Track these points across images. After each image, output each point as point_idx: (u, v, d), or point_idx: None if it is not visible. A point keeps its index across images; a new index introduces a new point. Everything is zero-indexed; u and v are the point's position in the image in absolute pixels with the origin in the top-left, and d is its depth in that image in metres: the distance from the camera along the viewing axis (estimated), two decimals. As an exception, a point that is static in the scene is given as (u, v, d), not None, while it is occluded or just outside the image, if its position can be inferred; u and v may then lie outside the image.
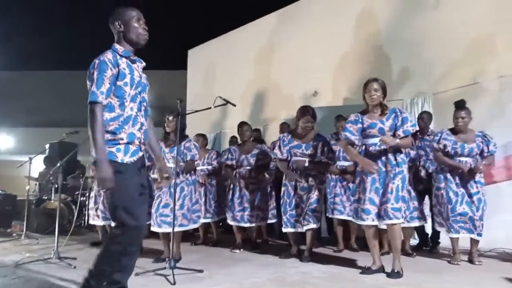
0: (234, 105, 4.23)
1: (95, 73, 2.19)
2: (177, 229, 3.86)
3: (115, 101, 2.28)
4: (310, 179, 4.15)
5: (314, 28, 7.48)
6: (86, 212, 6.97)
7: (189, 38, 11.11)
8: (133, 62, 2.41)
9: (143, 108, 2.46)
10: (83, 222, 7.16)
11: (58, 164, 4.41)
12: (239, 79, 8.70)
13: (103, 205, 4.83)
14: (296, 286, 3.13)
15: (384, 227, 3.53)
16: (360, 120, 3.55)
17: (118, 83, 2.26)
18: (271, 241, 5.53)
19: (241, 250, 4.72)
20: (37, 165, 8.94)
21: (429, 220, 4.53)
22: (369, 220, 3.41)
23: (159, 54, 16.52)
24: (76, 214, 5.06)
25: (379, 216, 3.39)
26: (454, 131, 4.05)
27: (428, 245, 4.81)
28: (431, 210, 4.46)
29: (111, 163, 2.15)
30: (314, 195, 4.10)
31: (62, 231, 6.59)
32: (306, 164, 4.17)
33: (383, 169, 3.41)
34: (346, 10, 7.09)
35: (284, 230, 4.27)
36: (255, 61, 8.59)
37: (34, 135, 12.98)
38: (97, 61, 2.22)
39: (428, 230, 4.76)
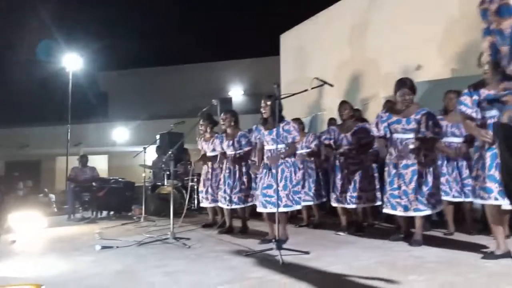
0: (332, 85, 4.11)
1: None
2: (281, 209, 3.91)
3: None
4: (415, 157, 3.87)
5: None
6: (196, 196, 7.48)
7: (279, 24, 11.12)
8: None
9: None
10: (193, 205, 7.69)
11: (170, 152, 4.75)
12: (333, 59, 8.48)
13: (211, 189, 5.13)
14: (409, 270, 2.97)
15: (508, 207, 3.16)
16: (476, 92, 3.22)
17: None
18: (377, 224, 5.34)
19: (346, 232, 4.64)
20: (150, 155, 9.83)
21: None
22: (491, 199, 3.09)
23: (251, 42, 16.89)
24: (187, 198, 5.39)
25: (503, 194, 3.04)
26: None
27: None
28: None
29: None
30: (429, 178, 3.81)
31: (175, 214, 7.25)
32: (411, 146, 3.90)
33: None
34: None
35: (384, 210, 4.08)
36: (348, 40, 8.28)
37: (145, 127, 14.22)
38: None
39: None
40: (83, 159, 8.08)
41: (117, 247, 4.24)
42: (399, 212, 3.93)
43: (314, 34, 9.14)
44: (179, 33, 19.83)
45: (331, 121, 6.47)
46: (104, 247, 4.15)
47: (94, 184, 7.79)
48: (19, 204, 12.25)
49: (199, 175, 7.72)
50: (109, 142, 14.49)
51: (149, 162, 8.75)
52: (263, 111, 4.19)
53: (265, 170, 4.10)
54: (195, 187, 7.79)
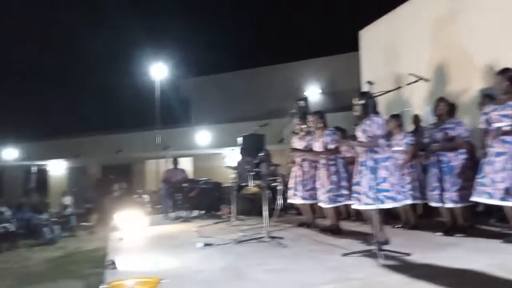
0: (428, 80, 3.98)
1: None
2: (378, 207, 3.83)
3: None
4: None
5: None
6: (280, 196, 7.61)
7: (358, 19, 10.87)
8: None
9: None
10: (279, 205, 7.82)
11: (263, 153, 4.91)
12: (418, 53, 8.09)
13: (301, 186, 5.22)
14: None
15: None
16: None
17: None
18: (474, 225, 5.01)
19: (444, 233, 4.42)
20: (231, 156, 10.16)
21: None
22: None
23: (327, 39, 16.73)
24: (279, 198, 5.55)
25: None
26: None
27: None
28: None
29: None
30: None
31: (261, 213, 7.44)
32: (508, 128, 3.65)
33: None
34: None
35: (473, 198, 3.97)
36: (434, 32, 7.84)
37: (227, 130, 14.73)
38: None
39: None
40: (175, 162, 8.61)
41: (217, 244, 4.47)
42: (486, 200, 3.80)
43: (398, 28, 8.80)
44: (255, 36, 20.30)
45: (416, 118, 6.22)
46: (205, 245, 4.41)
47: (185, 185, 8.26)
48: (115, 205, 13.40)
49: (282, 176, 7.86)
50: (193, 145, 15.23)
51: (231, 164, 9.07)
52: (355, 109, 4.13)
53: (358, 168, 4.05)
54: (279, 187, 7.92)
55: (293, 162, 5.83)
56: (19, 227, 11.58)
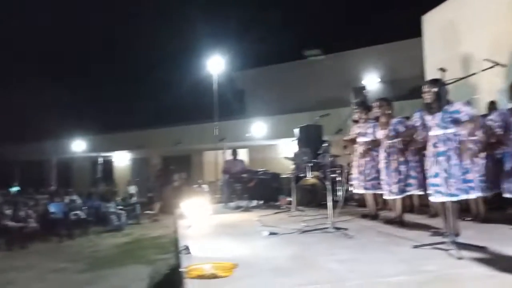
0: (504, 66, 3.76)
1: None
2: (451, 198, 3.70)
3: None
4: None
5: None
6: (342, 187, 7.54)
7: (419, 4, 10.40)
8: None
9: None
10: (340, 197, 7.77)
11: (326, 144, 4.91)
12: (486, 37, 7.60)
13: (363, 175, 5.17)
14: None
15: None
16: None
17: None
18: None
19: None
20: (288, 147, 10.18)
21: None
22: None
23: (387, 26, 16.17)
24: (343, 187, 5.53)
25: None
26: None
27: None
28: None
29: None
30: None
31: (319, 205, 7.43)
32: None
33: None
34: None
35: None
36: (507, 12, 7.32)
37: (282, 121, 14.80)
38: None
39: None
40: (234, 153, 8.80)
41: (281, 234, 4.55)
42: None
43: (464, 11, 8.31)
44: (310, 25, 20.07)
45: (492, 105, 5.87)
46: (270, 234, 4.50)
47: (244, 175, 8.42)
48: (176, 194, 13.97)
49: (340, 166, 7.78)
50: (248, 137, 15.45)
51: (287, 154, 9.10)
52: (426, 97, 3.96)
53: (432, 159, 3.92)
54: (338, 178, 7.84)
55: (353, 152, 5.75)
56: (89, 215, 12.48)
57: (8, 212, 10.44)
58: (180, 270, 3.17)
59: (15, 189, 15.03)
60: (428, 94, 3.92)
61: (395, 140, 4.82)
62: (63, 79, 21.25)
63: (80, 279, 7.15)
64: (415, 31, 10.26)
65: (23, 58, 21.95)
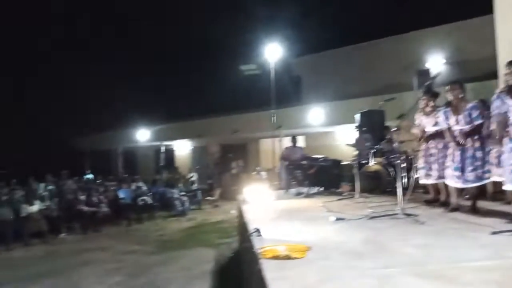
0: None
1: None
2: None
3: None
4: None
5: None
6: (408, 174, 7.31)
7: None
8: None
9: None
10: (409, 183, 7.54)
11: (392, 129, 4.78)
12: None
13: (437, 165, 4.98)
14: None
15: None
16: None
17: None
18: None
19: None
20: (346, 134, 9.99)
21: None
22: None
23: (453, 4, 15.26)
24: (408, 176, 5.36)
25: None
26: None
27: None
28: None
29: None
30: None
31: (383, 192, 7.27)
32: None
33: None
34: None
35: None
36: None
37: (340, 107, 14.55)
38: None
39: None
40: (294, 140, 8.81)
41: (349, 219, 4.52)
42: None
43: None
44: (369, 6, 19.42)
45: None
46: (337, 219, 4.49)
47: (304, 162, 8.42)
48: (234, 181, 14.29)
49: (404, 152, 7.53)
50: (305, 124, 15.37)
51: (345, 141, 8.96)
52: (508, 79, 3.72)
53: (510, 145, 3.70)
54: (403, 165, 7.60)
55: (422, 140, 5.53)
56: (155, 200, 13.12)
57: (82, 198, 11.24)
58: (254, 250, 3.25)
59: (88, 176, 16.12)
60: (510, 76, 3.67)
61: (470, 126, 4.55)
62: (127, 73, 22.26)
63: (151, 261, 7.56)
64: (485, 8, 9.59)
65: (100, 55, 23.08)
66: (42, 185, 12.20)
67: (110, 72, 21.47)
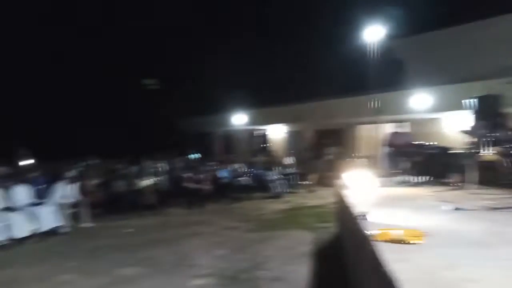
0: None
1: None
2: None
3: None
4: None
5: None
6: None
7: None
8: None
9: None
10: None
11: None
12: None
13: None
14: None
15: None
16: None
17: None
18: None
19: None
20: (454, 120, 9.19)
21: None
22: None
23: None
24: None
25: None
26: None
27: None
28: None
29: None
30: None
31: (502, 184, 6.66)
32: None
33: None
34: None
35: None
36: None
37: (446, 92, 13.52)
38: None
39: None
40: (400, 125, 8.45)
41: (466, 209, 4.27)
42: None
43: None
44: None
45: None
46: (456, 208, 4.26)
47: (411, 149, 8.04)
48: (330, 167, 14.17)
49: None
50: (408, 110, 14.54)
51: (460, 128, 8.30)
52: None
53: None
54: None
55: None
56: (253, 182, 13.64)
57: (189, 175, 12.14)
58: (364, 233, 3.26)
59: (195, 156, 17.28)
60: None
61: None
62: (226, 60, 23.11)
63: (251, 237, 7.93)
64: None
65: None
66: (153, 163, 13.42)
67: (214, 63, 22.56)
